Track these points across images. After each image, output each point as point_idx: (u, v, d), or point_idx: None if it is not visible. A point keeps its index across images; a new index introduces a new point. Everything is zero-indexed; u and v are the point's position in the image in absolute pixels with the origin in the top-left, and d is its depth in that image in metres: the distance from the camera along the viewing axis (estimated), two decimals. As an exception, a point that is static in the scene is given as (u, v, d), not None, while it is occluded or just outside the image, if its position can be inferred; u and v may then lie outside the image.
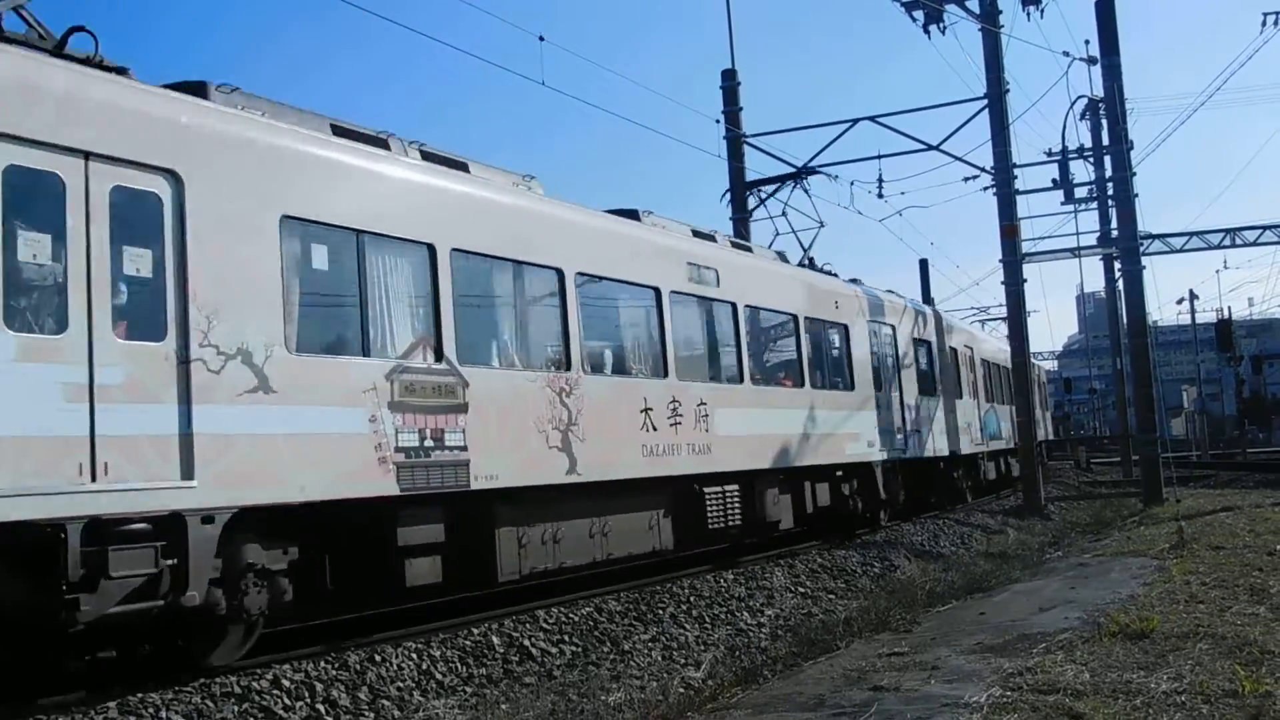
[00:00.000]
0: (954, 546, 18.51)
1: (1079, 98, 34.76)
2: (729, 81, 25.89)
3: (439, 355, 9.93)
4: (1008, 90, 23.92)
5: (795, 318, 16.75)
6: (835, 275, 20.14)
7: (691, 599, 12.14)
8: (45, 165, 7.25)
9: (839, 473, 17.77)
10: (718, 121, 25.34)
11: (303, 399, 8.62)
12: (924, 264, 55.15)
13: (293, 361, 8.58)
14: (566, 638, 10.15)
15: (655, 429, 12.74)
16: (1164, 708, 6.29)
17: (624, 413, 12.36)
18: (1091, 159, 33.42)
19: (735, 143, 25.77)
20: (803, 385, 16.61)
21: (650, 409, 12.73)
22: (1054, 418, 62.10)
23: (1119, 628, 8.61)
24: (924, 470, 22.11)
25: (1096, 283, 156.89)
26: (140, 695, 7.43)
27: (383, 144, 10.35)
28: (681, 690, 8.67)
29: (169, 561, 7.57)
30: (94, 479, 7.17)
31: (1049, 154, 34.19)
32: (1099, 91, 28.90)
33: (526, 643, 9.76)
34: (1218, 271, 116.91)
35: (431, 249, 10.08)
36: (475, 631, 9.78)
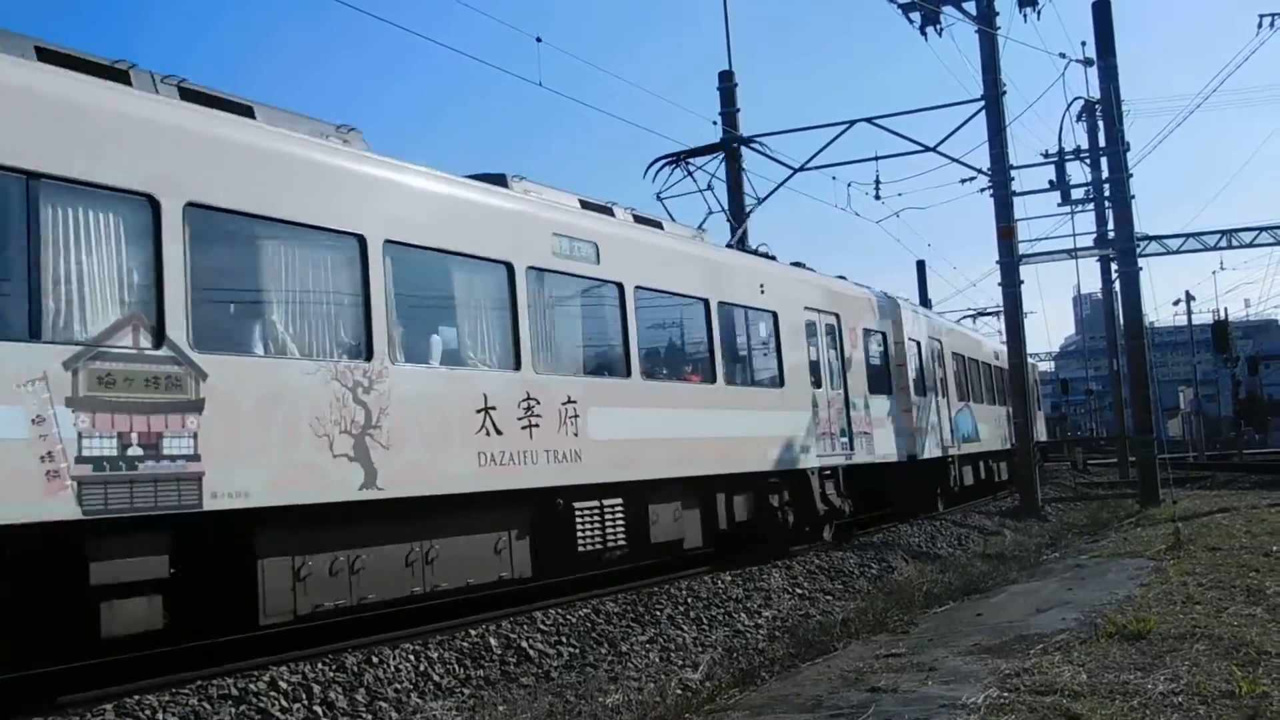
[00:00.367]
0: (951, 548, 18.52)
1: (1076, 99, 34.79)
2: (726, 83, 25.90)
3: (159, 338, 7.90)
4: (1005, 92, 23.94)
5: (706, 303, 14.47)
6: (772, 258, 17.93)
7: (689, 600, 12.15)
8: None
9: (770, 481, 15.69)
10: (715, 123, 25.38)
11: None
12: (921, 265, 55.27)
13: None
14: (564, 639, 10.15)
15: (500, 432, 10.60)
16: (1161, 708, 6.29)
17: (453, 412, 10.18)
18: (1088, 160, 33.50)
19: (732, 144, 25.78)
20: (713, 381, 14.39)
21: (493, 408, 10.59)
22: (1049, 419, 62.13)
23: (1116, 629, 8.62)
24: (882, 477, 20.04)
25: (1093, 284, 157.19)
26: (137, 697, 7.43)
27: (121, 76, 8.46)
28: (679, 692, 8.68)
29: None
30: None
31: (1046, 155, 34.27)
32: (1096, 93, 28.95)
33: (524, 644, 9.76)
34: (1214, 273, 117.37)
35: (154, 202, 8.00)
36: (473, 633, 9.78)
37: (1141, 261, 27.50)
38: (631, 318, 12.90)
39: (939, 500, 23.91)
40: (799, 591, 13.51)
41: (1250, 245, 39.10)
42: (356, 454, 9.16)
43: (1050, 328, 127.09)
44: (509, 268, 11.23)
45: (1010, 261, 24.33)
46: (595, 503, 12.09)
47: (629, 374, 12.81)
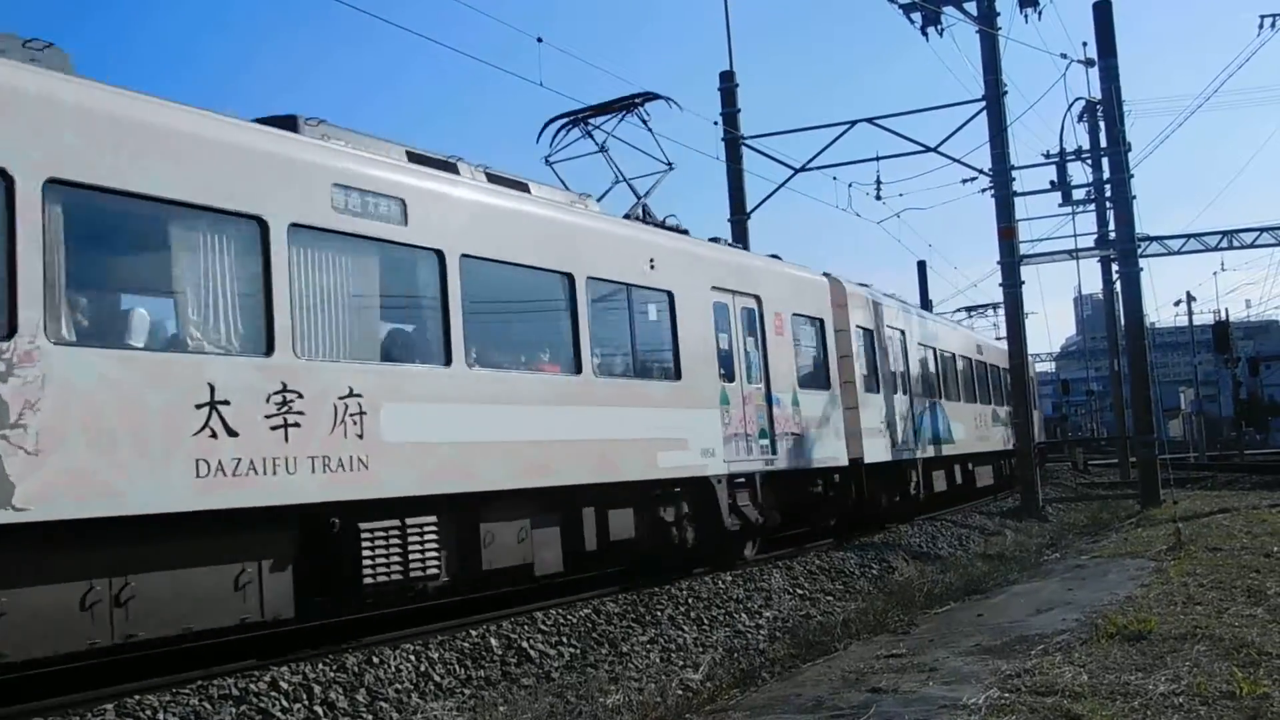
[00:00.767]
0: (952, 548, 18.54)
1: (1077, 100, 34.96)
2: (727, 83, 25.91)
3: None
4: (1005, 92, 23.98)
5: (570, 279, 12.04)
6: (684, 232, 15.33)
7: (690, 601, 12.15)
8: None
9: (662, 491, 13.31)
10: (716, 123, 25.39)
11: None
12: (922, 266, 55.30)
13: None
14: (565, 639, 10.16)
15: (234, 434, 8.23)
16: (1162, 709, 6.29)
17: (153, 408, 7.80)
18: (1089, 161, 33.56)
19: (733, 144, 25.79)
20: (578, 372, 11.94)
21: (223, 402, 8.22)
22: (1049, 419, 62.15)
23: (1117, 629, 8.62)
24: (825, 483, 17.53)
25: (1094, 285, 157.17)
26: (138, 697, 7.43)
27: None
28: (680, 692, 8.68)
29: None
30: None
31: (1047, 156, 34.33)
32: (1097, 93, 28.98)
33: (525, 644, 9.77)
34: (1215, 273, 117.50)
35: None
36: (473, 633, 9.79)
37: (1142, 262, 27.55)
38: (455, 292, 10.42)
39: (891, 510, 20.85)
40: (800, 592, 13.52)
41: (1251, 246, 39.07)
42: None
43: (1051, 328, 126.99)
44: (261, 224, 8.83)
45: (1011, 262, 24.36)
46: (393, 523, 9.55)
47: (448, 361, 10.28)
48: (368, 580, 9.30)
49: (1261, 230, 38.65)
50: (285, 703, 7.76)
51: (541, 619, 10.55)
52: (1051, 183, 32.97)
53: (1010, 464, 31.11)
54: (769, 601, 12.74)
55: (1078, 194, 34.74)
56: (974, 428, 27.69)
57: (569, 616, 10.75)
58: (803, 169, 26.29)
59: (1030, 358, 36.37)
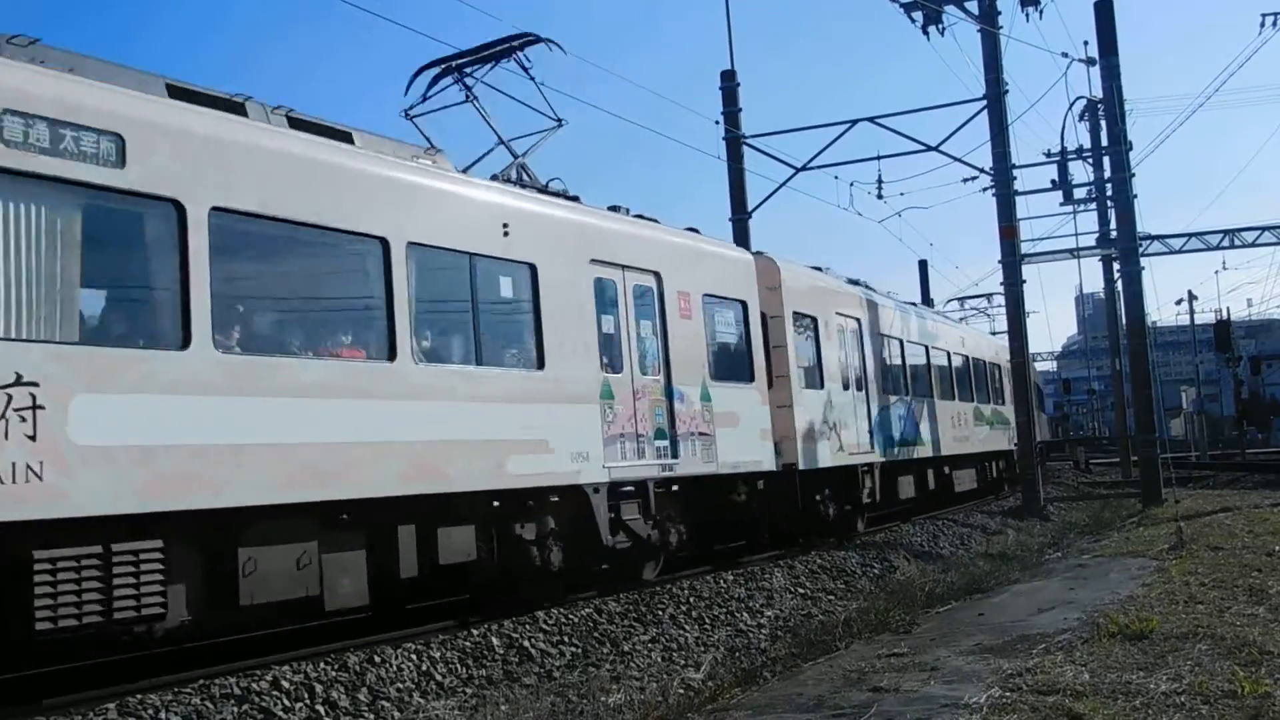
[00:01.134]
0: (953, 547, 18.54)
1: (1078, 98, 34.88)
2: (728, 82, 25.93)
3: None
4: (1007, 91, 23.98)
5: (384, 244, 9.77)
6: (574, 199, 13.10)
7: (691, 600, 12.15)
8: None
9: (516, 505, 11.15)
10: (717, 122, 25.43)
11: None
12: (923, 265, 55.29)
13: None
14: (566, 639, 10.16)
15: None
16: (1163, 708, 6.30)
17: None
18: (1090, 160, 33.50)
19: (735, 144, 25.81)
20: (391, 358, 9.67)
21: None
22: (1050, 418, 62.10)
23: (1118, 628, 8.62)
24: (751, 491, 15.26)
25: (1095, 284, 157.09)
26: (140, 696, 7.44)
27: None
28: (681, 691, 8.68)
29: None
30: None
31: (1048, 155, 34.29)
32: (1098, 92, 28.95)
33: (526, 644, 9.77)
34: (1216, 272, 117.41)
35: None
36: (475, 632, 9.79)
37: (1144, 261, 27.60)
38: (200, 254, 8.28)
39: (861, 519, 19.06)
40: (801, 591, 13.52)
41: (1253, 245, 39.13)
42: None
43: (1052, 327, 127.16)
44: None
45: (1012, 261, 24.36)
46: (92, 550, 7.46)
47: (185, 343, 8.13)
48: (43, 624, 7.16)
49: (1263, 229, 38.70)
50: (287, 702, 7.76)
51: (543, 618, 10.55)
52: (1053, 181, 32.94)
53: (997, 466, 29.81)
54: (770, 601, 12.74)
55: (1079, 193, 34.68)
56: (951, 428, 25.00)
57: (570, 615, 10.75)
58: (804, 168, 26.31)
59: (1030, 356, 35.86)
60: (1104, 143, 30.80)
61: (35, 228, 7.51)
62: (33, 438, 7.10)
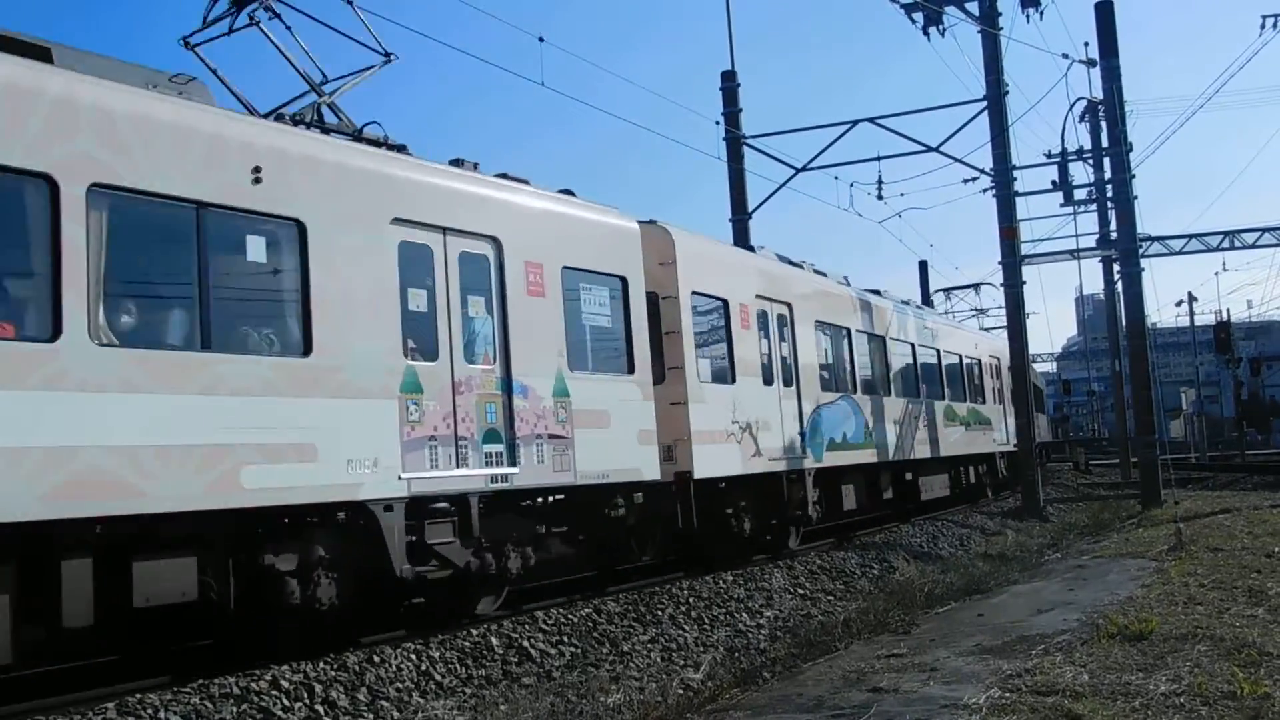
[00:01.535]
0: (952, 548, 18.53)
1: (1078, 100, 34.94)
2: (729, 83, 25.94)
3: None
4: (1007, 92, 24.01)
5: (49, 185, 7.48)
6: (400, 148, 10.87)
7: (690, 600, 12.15)
8: None
9: (271, 529, 8.91)
10: (717, 123, 25.42)
11: None
12: (924, 266, 55.24)
13: None
14: (565, 639, 10.16)
15: None
16: (1163, 709, 6.30)
17: None
18: (1091, 161, 33.53)
19: (735, 144, 25.81)
20: (53, 337, 7.36)
21: None
22: (1050, 419, 62.07)
23: (1117, 629, 8.62)
24: (628, 504, 12.68)
25: (1095, 285, 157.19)
26: (139, 696, 7.44)
27: None
28: (680, 691, 8.68)
29: None
30: None
31: (1048, 156, 34.32)
32: (1098, 93, 28.96)
33: (525, 644, 9.77)
34: (1216, 274, 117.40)
35: None
36: (474, 632, 9.79)
37: (1144, 262, 27.58)
38: None
39: (793, 534, 16.87)
40: (801, 591, 13.52)
41: (1253, 246, 39.12)
42: None
43: (1052, 329, 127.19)
44: None
45: (1013, 261, 24.37)
46: None
47: None
48: None
49: (1263, 230, 38.70)
50: (286, 701, 7.76)
51: (543, 618, 10.55)
52: (1053, 182, 32.96)
53: (978, 471, 27.69)
54: (770, 601, 12.74)
55: (1079, 194, 34.73)
56: (915, 429, 22.41)
57: (570, 616, 10.75)
58: (804, 168, 26.31)
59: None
60: (1104, 144, 30.79)
61: None
62: None
